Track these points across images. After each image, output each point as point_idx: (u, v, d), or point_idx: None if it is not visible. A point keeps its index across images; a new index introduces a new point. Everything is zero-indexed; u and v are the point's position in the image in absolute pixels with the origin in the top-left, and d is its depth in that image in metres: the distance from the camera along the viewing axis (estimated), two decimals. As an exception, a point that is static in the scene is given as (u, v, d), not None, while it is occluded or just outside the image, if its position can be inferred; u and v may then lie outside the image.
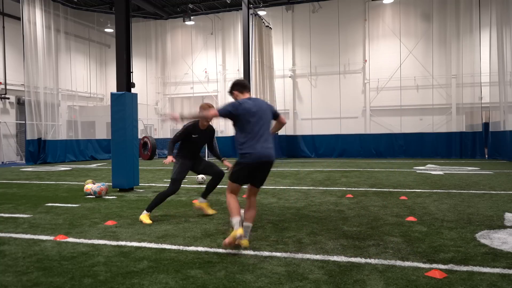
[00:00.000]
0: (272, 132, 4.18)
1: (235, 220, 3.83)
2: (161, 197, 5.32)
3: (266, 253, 3.73)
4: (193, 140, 5.53)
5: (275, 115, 4.25)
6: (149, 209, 5.26)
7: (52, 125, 19.19)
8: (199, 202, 5.72)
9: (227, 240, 3.74)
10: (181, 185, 5.57)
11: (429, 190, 7.81)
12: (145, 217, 5.18)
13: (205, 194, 5.70)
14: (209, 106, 5.20)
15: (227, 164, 5.31)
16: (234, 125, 4.08)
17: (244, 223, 3.94)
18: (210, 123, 5.61)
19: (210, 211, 5.67)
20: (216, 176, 5.65)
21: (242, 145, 3.96)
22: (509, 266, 3.27)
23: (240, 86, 4.18)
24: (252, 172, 4.02)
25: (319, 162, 17.29)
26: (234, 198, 4.09)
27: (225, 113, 3.99)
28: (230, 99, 4.28)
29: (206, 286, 2.95)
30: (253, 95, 19.22)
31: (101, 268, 3.38)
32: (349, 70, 21.80)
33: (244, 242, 3.81)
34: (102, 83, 26.30)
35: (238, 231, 3.71)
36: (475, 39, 19.36)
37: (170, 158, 5.67)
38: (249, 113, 3.94)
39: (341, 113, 21.59)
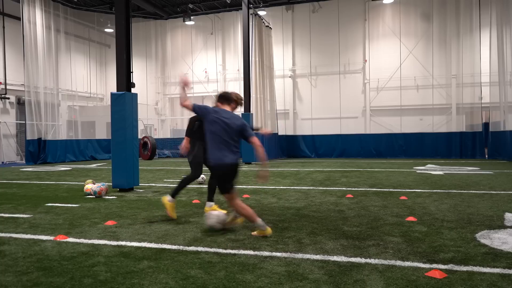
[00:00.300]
0: (259, 158, 4.32)
1: (259, 222, 4.29)
2: (185, 184, 5.42)
3: (266, 253, 3.73)
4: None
5: (244, 136, 4.39)
6: (173, 196, 5.30)
7: (52, 125, 19.20)
8: (208, 207, 5.59)
9: (256, 233, 4.34)
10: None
11: (429, 190, 7.81)
12: (171, 208, 5.23)
13: (210, 197, 5.64)
14: (237, 98, 5.02)
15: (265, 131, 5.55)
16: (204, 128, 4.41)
17: (258, 223, 4.31)
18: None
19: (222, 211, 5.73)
20: None
21: (208, 152, 4.34)
22: (509, 266, 3.27)
23: (222, 98, 4.63)
24: (221, 178, 4.37)
25: (319, 162, 17.30)
26: (242, 204, 4.40)
27: (197, 108, 4.39)
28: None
29: (206, 286, 2.95)
30: (253, 95, 19.23)
31: (101, 268, 3.38)
32: (349, 70, 21.80)
33: (268, 230, 4.35)
34: (102, 83, 26.31)
35: (268, 230, 4.31)
36: (475, 39, 19.36)
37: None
38: (216, 122, 4.29)
39: (341, 113, 21.60)
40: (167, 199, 5.28)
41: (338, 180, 9.86)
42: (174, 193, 5.32)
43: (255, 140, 4.30)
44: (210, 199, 5.63)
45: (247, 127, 4.38)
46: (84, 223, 5.15)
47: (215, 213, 4.66)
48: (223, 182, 4.37)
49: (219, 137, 4.29)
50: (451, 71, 19.97)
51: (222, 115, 4.36)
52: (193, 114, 4.95)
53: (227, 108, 4.55)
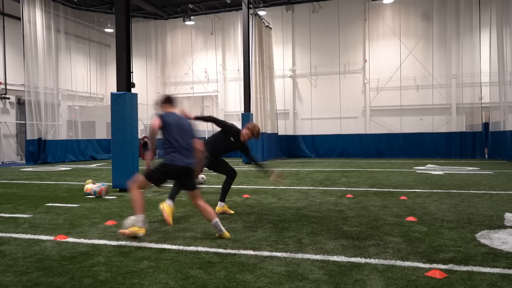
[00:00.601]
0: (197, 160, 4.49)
1: (140, 217, 4.17)
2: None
3: (266, 253, 3.73)
4: (228, 142, 5.62)
5: (193, 137, 4.54)
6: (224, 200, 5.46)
7: (52, 125, 19.19)
8: (219, 207, 5.71)
9: (127, 231, 4.15)
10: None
11: (429, 190, 7.81)
12: (170, 212, 4.87)
13: (223, 198, 5.74)
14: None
15: (275, 178, 5.69)
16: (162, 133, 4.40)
17: (213, 222, 4.28)
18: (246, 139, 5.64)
19: (231, 211, 5.80)
20: (231, 175, 5.75)
21: (166, 151, 4.31)
22: (509, 266, 3.27)
23: (167, 101, 4.58)
24: (176, 177, 4.43)
25: (319, 162, 17.29)
26: (141, 194, 4.29)
27: (158, 124, 4.30)
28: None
29: (206, 286, 2.95)
30: (253, 95, 19.16)
31: (101, 268, 3.38)
32: (349, 70, 21.80)
33: (226, 234, 4.27)
34: (102, 83, 26.30)
35: (141, 230, 4.17)
36: (475, 39, 19.36)
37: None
38: (173, 124, 4.33)
39: (341, 113, 21.59)
40: (166, 202, 5.01)
41: (338, 180, 9.86)
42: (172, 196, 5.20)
43: (199, 142, 4.59)
44: (223, 199, 5.74)
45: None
46: (84, 223, 5.15)
47: (132, 217, 4.61)
48: (165, 180, 4.44)
49: (180, 139, 4.35)
50: (451, 71, 19.97)
51: (176, 117, 4.44)
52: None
53: (172, 110, 4.54)
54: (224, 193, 5.74)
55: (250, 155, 5.74)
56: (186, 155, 4.34)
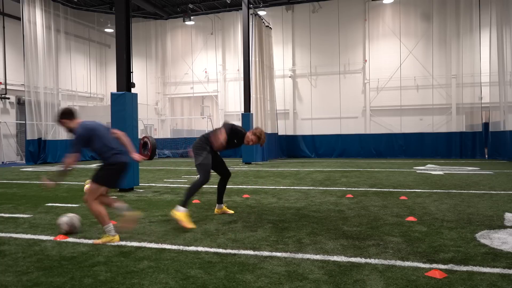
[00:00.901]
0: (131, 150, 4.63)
1: (110, 227, 4.26)
2: (194, 190, 5.09)
3: (266, 253, 3.73)
4: (229, 142, 5.35)
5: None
6: (184, 205, 4.92)
7: (52, 125, 19.19)
8: (217, 209, 5.71)
9: (100, 241, 4.19)
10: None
11: (429, 190, 7.81)
12: (185, 217, 4.79)
13: (220, 199, 5.71)
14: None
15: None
16: (89, 145, 4.39)
17: (118, 205, 4.47)
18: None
19: (230, 211, 5.77)
20: (226, 175, 5.69)
21: (110, 153, 4.36)
22: (509, 266, 3.27)
23: (68, 115, 4.42)
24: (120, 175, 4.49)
25: (319, 162, 17.29)
26: (100, 205, 4.38)
27: (81, 145, 4.36)
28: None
29: (206, 286, 2.95)
30: (253, 95, 19.17)
31: (101, 268, 3.38)
32: (349, 70, 21.80)
33: (116, 238, 4.28)
34: (102, 83, 26.31)
35: (116, 238, 4.24)
36: (475, 39, 19.36)
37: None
38: (97, 129, 4.36)
39: (341, 113, 21.60)
40: (177, 210, 4.86)
41: (338, 180, 9.86)
42: (185, 202, 4.94)
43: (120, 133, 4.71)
44: (220, 201, 5.71)
45: None
46: (84, 223, 5.15)
47: (70, 215, 4.71)
48: (119, 179, 4.52)
49: (115, 141, 4.49)
50: (451, 71, 19.97)
51: (94, 122, 4.50)
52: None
53: (77, 121, 4.43)
54: (220, 195, 5.70)
55: None
56: (126, 152, 4.53)
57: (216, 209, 5.72)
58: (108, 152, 4.35)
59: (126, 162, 4.43)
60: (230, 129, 5.25)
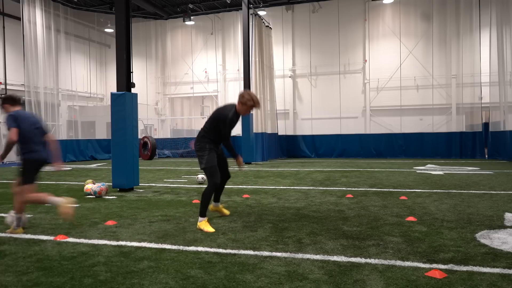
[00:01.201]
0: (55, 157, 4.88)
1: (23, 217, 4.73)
2: (207, 198, 4.81)
3: (266, 253, 3.73)
4: (229, 127, 4.96)
5: (46, 133, 4.86)
6: (203, 215, 4.77)
7: (52, 125, 19.20)
8: (213, 206, 5.46)
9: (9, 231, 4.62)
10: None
11: (429, 190, 7.81)
12: (205, 225, 4.70)
13: (217, 198, 5.41)
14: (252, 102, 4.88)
15: (241, 163, 5.22)
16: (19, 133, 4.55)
17: (50, 199, 4.66)
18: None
19: (226, 212, 5.55)
20: (225, 177, 5.31)
21: (27, 148, 4.60)
22: (509, 266, 3.27)
23: (12, 100, 4.77)
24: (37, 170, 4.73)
25: (319, 162, 17.30)
26: (27, 199, 4.71)
27: (15, 127, 4.50)
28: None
29: (206, 286, 2.96)
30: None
31: (101, 268, 3.38)
32: (349, 70, 21.81)
33: (20, 230, 4.68)
34: (102, 83, 26.32)
35: (19, 230, 4.65)
36: (475, 39, 19.37)
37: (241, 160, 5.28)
38: (22, 122, 4.56)
39: (341, 113, 21.60)
40: (199, 222, 4.76)
41: (338, 180, 9.86)
42: (202, 212, 4.77)
43: (52, 136, 4.96)
44: (217, 199, 5.44)
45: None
46: (84, 223, 5.15)
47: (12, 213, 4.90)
48: (35, 174, 4.74)
49: (37, 136, 4.69)
50: (451, 71, 19.98)
51: (28, 114, 4.81)
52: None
53: (18, 107, 4.76)
54: (218, 193, 5.37)
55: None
56: (42, 149, 4.72)
57: (211, 206, 5.41)
58: (23, 149, 4.61)
59: (38, 160, 4.67)
60: (213, 119, 4.92)
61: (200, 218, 4.76)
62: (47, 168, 4.84)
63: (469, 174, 11.01)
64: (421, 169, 12.71)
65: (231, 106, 4.98)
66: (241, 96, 4.91)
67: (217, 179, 4.87)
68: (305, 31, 22.33)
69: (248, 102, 4.85)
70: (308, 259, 3.55)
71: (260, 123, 18.26)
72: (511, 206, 5.96)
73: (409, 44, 20.60)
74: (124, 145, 8.25)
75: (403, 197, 6.93)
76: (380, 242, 4.05)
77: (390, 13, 21.03)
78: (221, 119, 4.85)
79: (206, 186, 4.95)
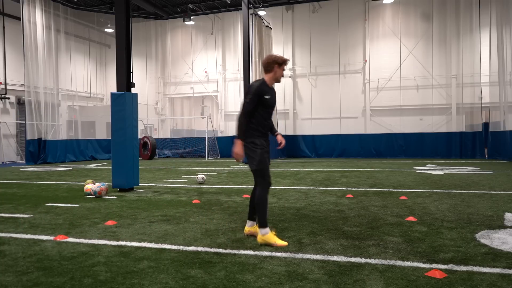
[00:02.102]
0: None
1: None
2: (264, 203, 4.15)
3: (266, 253, 3.73)
4: (266, 104, 4.09)
5: None
6: (265, 224, 4.05)
7: (52, 125, 19.20)
8: (248, 227, 4.40)
9: None
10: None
11: (429, 190, 7.81)
12: (272, 238, 3.99)
13: (252, 213, 4.42)
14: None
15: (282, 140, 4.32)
16: None
17: None
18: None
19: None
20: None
21: None
22: (509, 266, 3.27)
23: None
24: None
25: (319, 162, 17.29)
26: None
27: None
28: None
29: (206, 286, 2.95)
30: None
31: (101, 268, 3.38)
32: (349, 70, 21.81)
33: None
34: (102, 83, 26.32)
35: None
36: (475, 39, 19.37)
37: (239, 147, 4.08)
38: None
39: (341, 113, 21.61)
40: (261, 234, 4.03)
41: (338, 180, 9.86)
42: (263, 222, 4.06)
43: None
44: (251, 217, 4.41)
45: None
46: (84, 223, 5.15)
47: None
48: None
49: None
50: (451, 71, 19.98)
51: None
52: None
53: None
54: (253, 207, 4.40)
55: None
56: None
57: (246, 227, 4.40)
58: None
59: None
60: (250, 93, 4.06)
61: (262, 230, 4.00)
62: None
63: (469, 174, 11.01)
64: (421, 169, 12.71)
65: (258, 81, 4.18)
66: (266, 63, 4.13)
67: (270, 180, 4.25)
68: (305, 31, 22.33)
69: (277, 59, 4.11)
70: (308, 259, 3.54)
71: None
72: (511, 206, 5.95)
73: (409, 44, 20.60)
74: (124, 145, 8.25)
75: (403, 197, 6.93)
76: (380, 242, 4.05)
77: (390, 13, 21.04)
78: (259, 90, 4.05)
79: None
